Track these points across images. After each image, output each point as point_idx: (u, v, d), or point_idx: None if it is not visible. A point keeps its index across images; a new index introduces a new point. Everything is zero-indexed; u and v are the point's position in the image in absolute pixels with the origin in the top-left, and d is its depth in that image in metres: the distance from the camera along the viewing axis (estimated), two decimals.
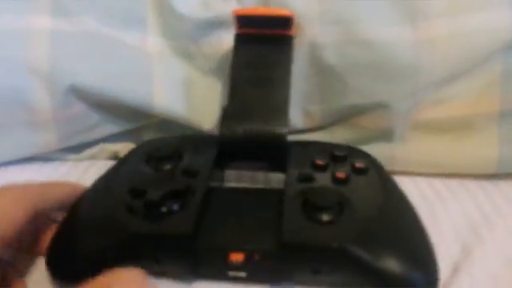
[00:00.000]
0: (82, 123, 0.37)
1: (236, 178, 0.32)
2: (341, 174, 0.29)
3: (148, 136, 0.39)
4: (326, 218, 0.25)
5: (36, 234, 0.28)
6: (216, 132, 0.36)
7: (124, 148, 0.39)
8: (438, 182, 0.36)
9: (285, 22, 0.33)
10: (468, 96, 0.36)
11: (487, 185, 0.35)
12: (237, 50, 0.34)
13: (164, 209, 0.25)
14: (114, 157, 0.39)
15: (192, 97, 0.38)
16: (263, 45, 0.34)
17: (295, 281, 0.26)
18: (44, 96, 0.34)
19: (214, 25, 0.37)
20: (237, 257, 0.25)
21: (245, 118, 0.32)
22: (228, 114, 0.32)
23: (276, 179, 0.31)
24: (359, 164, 0.30)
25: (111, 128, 0.38)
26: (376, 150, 0.34)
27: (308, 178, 0.29)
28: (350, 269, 0.25)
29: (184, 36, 0.37)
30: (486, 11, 0.35)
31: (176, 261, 0.25)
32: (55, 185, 0.30)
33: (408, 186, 0.34)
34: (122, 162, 0.32)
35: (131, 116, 0.37)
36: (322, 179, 0.29)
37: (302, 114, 0.38)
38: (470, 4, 0.35)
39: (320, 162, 0.30)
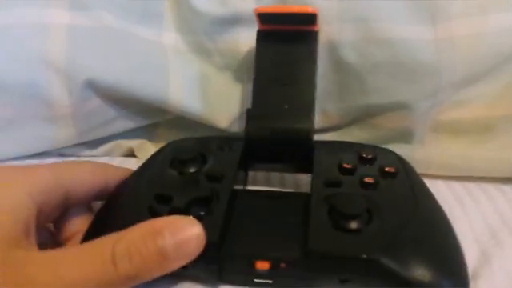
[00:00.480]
0: (98, 118, 0.37)
1: (261, 181, 0.32)
2: (369, 179, 0.28)
3: (163, 132, 0.40)
4: (353, 226, 0.25)
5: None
6: (234, 131, 0.37)
7: (139, 144, 0.39)
8: (456, 185, 0.36)
9: (309, 19, 0.33)
10: (488, 97, 0.36)
11: (506, 188, 0.35)
12: (260, 47, 0.34)
13: (190, 214, 0.25)
14: (129, 153, 0.39)
15: (207, 94, 0.38)
16: (287, 41, 0.33)
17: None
18: (61, 90, 0.34)
19: (230, 21, 0.37)
20: (263, 265, 0.25)
21: (270, 117, 0.31)
22: (253, 114, 0.32)
23: (302, 182, 0.31)
24: (388, 167, 0.30)
25: (127, 123, 0.38)
26: (395, 151, 0.34)
27: (335, 183, 0.28)
28: (378, 279, 0.24)
29: (200, 32, 0.37)
30: (506, 11, 0.35)
31: (202, 267, 0.25)
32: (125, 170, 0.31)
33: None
34: (147, 164, 0.31)
35: (146, 112, 0.38)
36: (350, 184, 0.28)
37: (319, 114, 0.37)
38: (490, 4, 0.35)
39: (347, 165, 0.30)
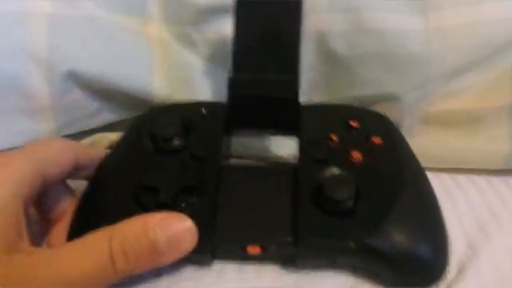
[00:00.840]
0: (80, 111, 0.36)
1: (245, 147, 0.32)
2: (356, 155, 0.29)
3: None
4: (341, 210, 0.25)
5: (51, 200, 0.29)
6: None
7: None
8: (446, 177, 0.36)
9: None
10: (478, 89, 0.36)
11: (495, 180, 0.35)
12: (239, 15, 0.32)
13: (177, 207, 0.26)
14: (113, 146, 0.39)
15: (192, 84, 0.37)
16: (269, 10, 0.32)
17: (310, 266, 0.27)
18: (42, 82, 0.33)
19: (217, 11, 0.36)
20: (253, 249, 0.26)
21: (254, 72, 0.30)
22: (236, 70, 0.31)
23: (288, 149, 0.31)
24: (375, 137, 0.30)
25: (110, 116, 0.38)
26: None
27: (322, 160, 0.28)
28: (366, 261, 0.25)
29: (186, 22, 0.37)
30: (498, 1, 0.34)
31: (194, 253, 0.25)
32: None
33: None
34: (126, 141, 0.31)
35: (130, 104, 0.37)
36: (337, 160, 0.28)
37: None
38: None
39: (335, 137, 0.30)
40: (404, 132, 0.36)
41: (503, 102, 0.36)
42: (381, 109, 0.36)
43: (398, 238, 0.25)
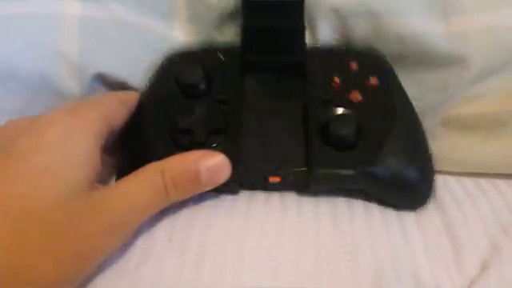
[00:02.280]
0: None
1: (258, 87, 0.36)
2: (356, 96, 0.33)
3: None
4: (345, 144, 0.31)
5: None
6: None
7: None
8: (467, 181, 0.37)
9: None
10: (500, 93, 0.37)
11: None
12: (245, 17, 0.36)
13: (210, 146, 0.31)
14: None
15: None
16: (274, 11, 0.36)
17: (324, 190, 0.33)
18: (73, 82, 0.35)
19: (240, 14, 0.38)
20: (274, 179, 0.32)
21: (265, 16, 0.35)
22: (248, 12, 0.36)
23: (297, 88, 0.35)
24: (372, 78, 0.34)
25: None
26: None
27: (328, 101, 0.33)
28: (367, 185, 0.32)
29: (209, 24, 0.38)
30: None
31: (223, 184, 0.31)
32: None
33: (438, 184, 0.35)
34: (154, 89, 0.36)
35: None
36: (340, 101, 0.33)
37: None
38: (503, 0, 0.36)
39: (337, 78, 0.34)
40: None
41: None
42: None
43: (392, 165, 0.31)
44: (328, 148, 0.31)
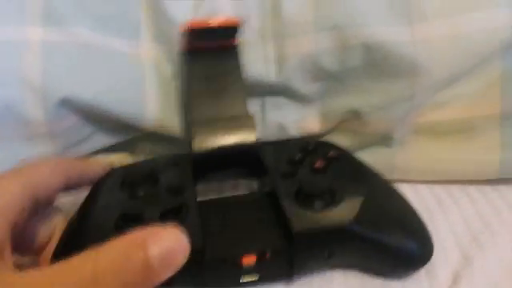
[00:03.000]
0: (76, 135, 0.38)
1: (215, 190, 0.34)
2: (319, 164, 0.32)
3: (143, 146, 0.41)
4: (322, 204, 0.28)
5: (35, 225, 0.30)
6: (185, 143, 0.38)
7: (119, 159, 0.40)
8: (438, 188, 0.37)
9: (230, 32, 0.36)
10: (468, 98, 0.38)
11: (488, 190, 0.37)
12: (187, 66, 0.37)
13: None
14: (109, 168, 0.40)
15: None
16: (211, 58, 0.37)
17: (307, 271, 0.29)
18: (37, 108, 0.35)
19: None
20: (249, 260, 0.27)
21: (213, 131, 0.34)
22: (196, 130, 0.34)
23: (255, 183, 0.34)
24: (331, 153, 0.33)
25: (105, 139, 0.39)
26: (376, 157, 0.36)
27: (291, 174, 0.31)
28: (356, 246, 0.28)
29: (176, 42, 0.38)
30: (483, 11, 0.36)
31: (187, 277, 0.25)
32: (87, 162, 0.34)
33: (408, 192, 0.35)
34: (94, 193, 0.31)
35: (124, 127, 0.38)
36: (304, 172, 0.32)
37: (299, 122, 0.39)
38: (467, 4, 0.36)
39: (295, 157, 0.33)
40: (395, 144, 0.38)
41: (493, 111, 0.37)
42: (371, 122, 0.38)
43: (380, 222, 0.29)
44: (304, 211, 0.28)
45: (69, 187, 0.31)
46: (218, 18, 0.36)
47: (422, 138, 0.38)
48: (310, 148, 0.34)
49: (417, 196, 0.36)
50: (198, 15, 0.38)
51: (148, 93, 0.38)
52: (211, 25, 0.35)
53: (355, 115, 0.38)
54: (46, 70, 0.35)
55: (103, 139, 0.39)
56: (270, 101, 0.39)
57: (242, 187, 0.35)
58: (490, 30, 0.36)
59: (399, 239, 0.29)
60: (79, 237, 0.27)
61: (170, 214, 0.27)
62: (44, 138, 0.36)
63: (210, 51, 0.37)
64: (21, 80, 0.34)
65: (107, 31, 0.38)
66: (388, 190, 0.32)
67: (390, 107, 0.37)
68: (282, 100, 0.39)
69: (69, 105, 0.36)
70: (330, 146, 0.36)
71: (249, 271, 0.27)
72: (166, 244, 0.22)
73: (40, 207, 0.29)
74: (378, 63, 0.36)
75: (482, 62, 0.37)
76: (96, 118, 0.37)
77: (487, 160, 0.37)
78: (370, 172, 0.33)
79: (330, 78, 0.37)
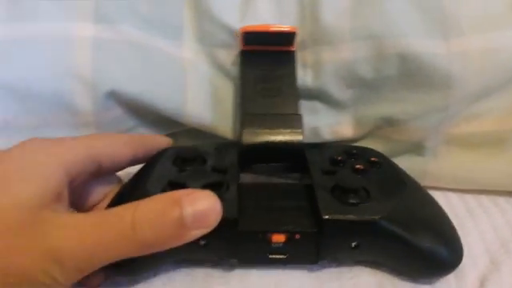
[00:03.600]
0: (120, 126, 0.40)
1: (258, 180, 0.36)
2: (360, 166, 0.33)
3: (182, 141, 0.42)
4: (355, 199, 0.29)
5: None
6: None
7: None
8: (469, 198, 0.38)
9: (287, 38, 0.38)
10: (500, 111, 0.39)
11: None
12: (243, 65, 0.39)
13: None
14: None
15: (221, 106, 0.41)
16: (268, 60, 0.39)
17: (332, 259, 0.31)
18: (86, 100, 0.37)
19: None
20: (278, 238, 0.28)
21: (263, 125, 0.36)
22: (247, 123, 0.36)
23: (297, 178, 0.36)
24: (374, 158, 0.34)
25: (148, 132, 0.41)
26: (408, 164, 0.36)
27: (331, 171, 0.33)
28: (384, 242, 0.29)
29: (218, 44, 0.40)
30: None
31: (221, 245, 0.28)
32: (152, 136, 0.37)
33: (439, 199, 0.36)
34: (149, 165, 0.34)
35: (166, 122, 0.40)
36: (344, 171, 0.33)
37: (333, 127, 0.40)
38: (501, 21, 0.37)
39: (338, 157, 0.35)
40: (427, 153, 0.39)
41: None
42: (404, 130, 0.39)
43: (410, 221, 0.29)
44: (337, 204, 0.29)
45: (136, 161, 0.34)
46: (275, 25, 0.38)
47: (454, 149, 0.39)
48: (354, 152, 0.35)
49: (447, 203, 0.37)
50: (243, 19, 0.40)
51: (189, 91, 0.39)
52: (269, 30, 0.38)
53: (388, 122, 0.39)
54: (96, 65, 0.37)
55: (146, 132, 0.41)
56: (306, 105, 0.40)
57: (284, 180, 0.37)
58: None
59: (429, 242, 0.29)
60: (128, 197, 0.29)
61: (211, 187, 0.28)
62: (90, 127, 0.38)
63: (267, 53, 0.39)
64: (72, 73, 0.37)
65: (152, 31, 0.40)
66: (423, 196, 0.33)
67: (423, 116, 0.38)
68: (317, 104, 0.40)
69: (115, 97, 0.38)
70: (373, 151, 0.37)
71: (277, 249, 0.29)
72: (200, 205, 0.24)
73: (104, 173, 0.32)
74: (412, 73, 0.37)
75: None
76: (140, 111, 0.39)
77: None
78: (408, 178, 0.34)
79: (365, 86, 0.39)
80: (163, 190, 0.29)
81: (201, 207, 0.24)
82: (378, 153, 0.36)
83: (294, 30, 0.38)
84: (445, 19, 0.37)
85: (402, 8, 0.38)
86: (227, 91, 0.41)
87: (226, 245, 0.29)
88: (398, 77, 0.38)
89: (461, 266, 0.30)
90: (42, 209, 0.25)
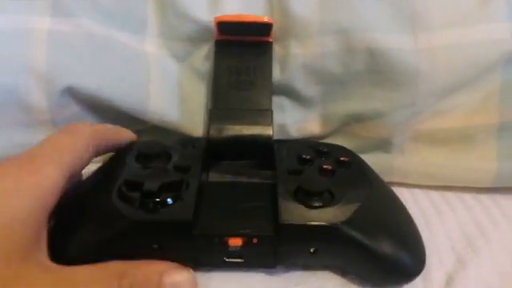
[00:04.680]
0: None
1: (225, 177, 0.36)
2: (327, 166, 0.32)
3: (146, 138, 0.41)
4: (318, 203, 0.28)
5: None
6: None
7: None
8: (435, 194, 0.38)
9: (264, 29, 0.37)
10: (467, 108, 0.38)
11: (484, 198, 0.38)
12: (217, 55, 0.38)
13: (162, 198, 0.27)
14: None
15: (186, 103, 0.39)
16: (243, 51, 0.38)
17: (290, 264, 0.30)
18: (41, 96, 0.35)
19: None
20: (235, 242, 0.27)
21: (231, 120, 0.35)
22: (215, 117, 0.35)
23: (264, 175, 0.35)
24: (343, 158, 0.33)
25: None
26: (375, 160, 0.36)
27: (297, 171, 0.31)
28: (344, 248, 0.28)
29: (185, 38, 0.39)
30: (485, 23, 0.37)
31: (175, 248, 0.27)
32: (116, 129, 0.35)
33: (405, 197, 0.36)
34: (112, 161, 0.33)
35: (128, 119, 0.39)
36: (310, 171, 0.32)
37: (300, 124, 0.39)
38: (470, 16, 0.37)
39: (306, 156, 0.33)
40: (394, 150, 0.39)
41: (491, 121, 0.38)
42: (371, 127, 0.38)
43: (370, 227, 0.28)
44: (298, 205, 0.28)
45: (98, 154, 0.32)
46: (250, 15, 0.37)
47: (421, 145, 0.39)
48: (324, 150, 0.34)
49: (414, 200, 0.37)
50: (209, 10, 0.39)
51: (151, 86, 0.38)
52: (243, 20, 0.37)
53: (356, 119, 0.38)
54: (52, 59, 0.35)
55: None
56: (273, 101, 0.39)
57: (251, 178, 0.36)
58: (491, 41, 0.37)
59: (390, 248, 0.28)
60: (85, 198, 0.29)
61: (170, 187, 0.28)
62: (45, 125, 0.37)
63: (242, 44, 0.38)
64: (25, 67, 0.35)
65: (114, 25, 0.38)
66: (389, 198, 0.33)
67: (390, 113, 0.37)
68: (284, 101, 0.40)
69: (72, 94, 0.36)
70: (344, 150, 0.36)
71: (234, 253, 0.28)
72: (178, 280, 0.26)
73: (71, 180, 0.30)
74: (380, 69, 0.37)
75: (483, 72, 0.37)
76: (99, 108, 0.38)
77: (484, 168, 0.38)
78: (376, 179, 0.33)
79: (333, 82, 0.38)
80: (119, 190, 0.28)
81: (179, 280, 0.26)
82: (349, 151, 0.35)
83: (270, 21, 0.37)
84: (414, 14, 0.37)
85: (371, 1, 0.37)
86: (194, 87, 0.40)
87: (180, 248, 0.27)
88: (366, 72, 0.37)
89: (427, 265, 0.30)
90: (24, 261, 0.23)
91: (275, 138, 0.36)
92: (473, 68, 0.37)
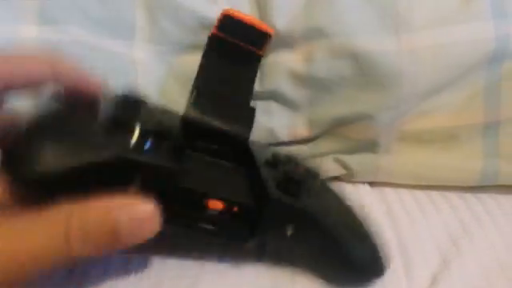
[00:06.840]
0: None
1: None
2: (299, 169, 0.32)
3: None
4: (296, 190, 0.28)
5: None
6: None
7: None
8: (420, 194, 0.39)
9: (261, 40, 0.37)
10: (452, 108, 0.39)
11: (469, 197, 0.38)
12: (209, 48, 0.37)
13: (148, 142, 0.25)
14: None
15: (174, 108, 0.39)
16: (233, 56, 0.37)
17: (262, 242, 0.29)
18: (29, 105, 0.35)
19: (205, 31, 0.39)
20: (216, 204, 0.27)
21: (212, 111, 0.34)
22: (196, 104, 0.34)
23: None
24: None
25: None
26: (361, 161, 0.37)
27: (274, 164, 0.31)
28: (318, 237, 0.28)
29: (175, 42, 0.39)
30: (468, 23, 0.37)
31: (152, 191, 0.24)
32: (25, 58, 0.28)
33: (391, 196, 0.37)
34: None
35: None
36: (285, 166, 0.31)
37: (288, 127, 0.40)
38: (452, 16, 0.37)
39: (281, 158, 0.33)
40: (380, 150, 0.39)
41: (476, 121, 0.39)
42: (357, 128, 0.39)
43: (337, 221, 0.29)
44: (280, 188, 0.28)
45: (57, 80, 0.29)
46: (254, 18, 0.37)
47: (406, 145, 0.39)
48: (281, 160, 0.33)
49: (399, 200, 0.37)
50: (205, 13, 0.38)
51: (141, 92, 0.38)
52: (249, 21, 0.36)
53: (343, 122, 0.39)
54: None
55: None
56: (260, 105, 0.40)
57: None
58: (474, 42, 0.37)
59: (357, 248, 0.29)
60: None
61: (154, 135, 0.26)
62: None
63: (235, 47, 0.37)
64: None
65: (101, 32, 0.38)
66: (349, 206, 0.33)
67: (376, 115, 0.38)
68: (271, 105, 0.40)
69: (60, 99, 0.37)
70: (300, 164, 0.34)
71: (210, 217, 0.27)
72: (136, 215, 0.23)
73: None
74: (365, 72, 0.37)
75: (466, 72, 0.38)
76: None
77: (469, 168, 0.38)
78: (336, 191, 0.34)
79: (319, 86, 0.38)
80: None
81: (138, 217, 0.23)
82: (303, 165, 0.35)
83: (271, 31, 0.37)
84: (397, 16, 0.37)
85: (353, 4, 0.37)
86: (182, 92, 0.40)
87: (162, 196, 0.24)
88: (351, 76, 0.37)
89: (412, 264, 0.30)
90: None
91: (264, 142, 0.36)
92: (456, 68, 0.37)
